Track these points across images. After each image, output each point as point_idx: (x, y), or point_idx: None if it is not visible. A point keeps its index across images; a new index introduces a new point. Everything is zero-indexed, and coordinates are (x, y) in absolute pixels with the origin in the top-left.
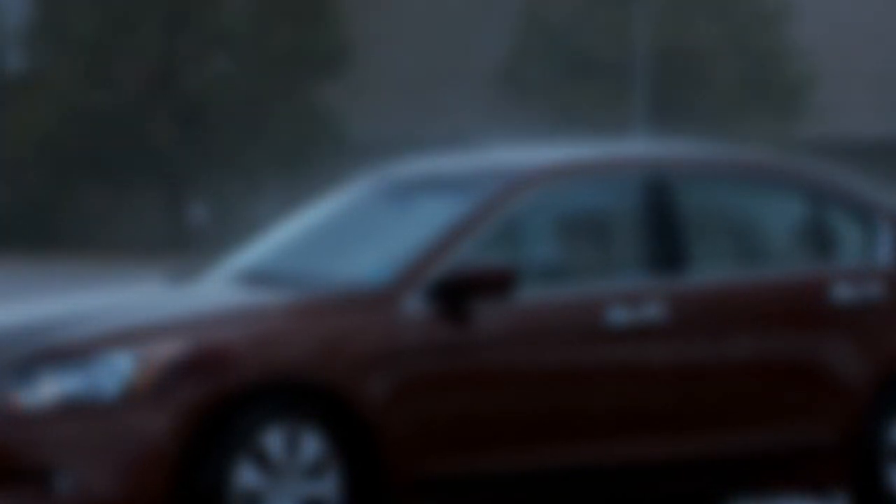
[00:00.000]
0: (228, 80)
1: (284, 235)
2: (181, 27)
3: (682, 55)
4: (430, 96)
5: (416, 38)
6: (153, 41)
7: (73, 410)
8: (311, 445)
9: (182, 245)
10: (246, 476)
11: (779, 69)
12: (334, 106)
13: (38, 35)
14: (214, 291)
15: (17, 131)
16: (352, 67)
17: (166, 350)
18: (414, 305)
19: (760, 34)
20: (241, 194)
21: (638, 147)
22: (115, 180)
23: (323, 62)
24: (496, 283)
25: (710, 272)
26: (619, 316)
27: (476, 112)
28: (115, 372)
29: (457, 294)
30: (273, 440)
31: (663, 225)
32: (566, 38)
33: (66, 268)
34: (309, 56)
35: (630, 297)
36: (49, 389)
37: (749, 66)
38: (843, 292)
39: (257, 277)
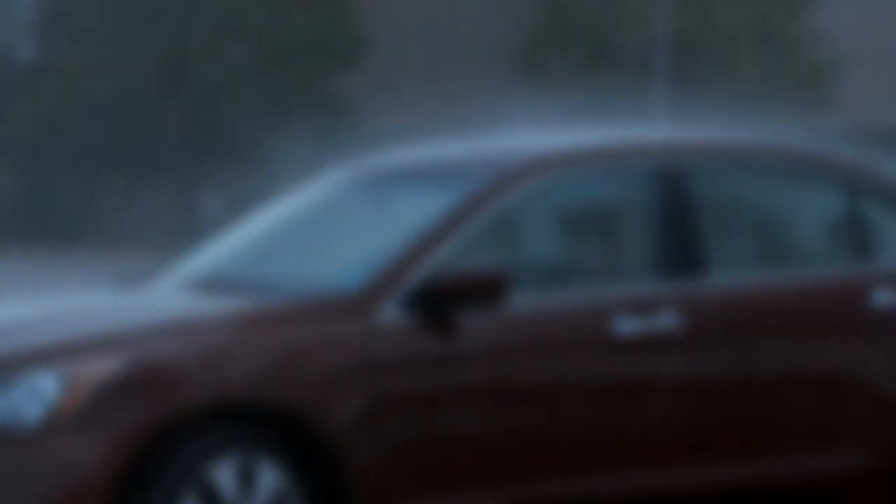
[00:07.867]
0: (243, 70)
1: (247, 235)
2: (195, 17)
3: (704, 42)
4: (450, 85)
5: (435, 26)
6: (166, 31)
7: None
8: (269, 479)
9: (195, 238)
10: None
11: (803, 56)
12: (352, 97)
13: (49, 26)
14: (162, 299)
15: (29, 123)
16: (369, 57)
17: (98, 368)
18: (391, 315)
19: (784, 19)
20: (255, 187)
21: (649, 133)
22: (128, 172)
23: (340, 52)
24: (486, 288)
25: (732, 275)
26: (628, 325)
27: (495, 100)
28: (37, 394)
29: (440, 302)
30: (223, 473)
31: (678, 222)
32: (586, 25)
33: (75, 261)
34: (326, 46)
35: (640, 304)
36: None
37: (773, 53)
38: (885, 297)
39: (213, 283)
